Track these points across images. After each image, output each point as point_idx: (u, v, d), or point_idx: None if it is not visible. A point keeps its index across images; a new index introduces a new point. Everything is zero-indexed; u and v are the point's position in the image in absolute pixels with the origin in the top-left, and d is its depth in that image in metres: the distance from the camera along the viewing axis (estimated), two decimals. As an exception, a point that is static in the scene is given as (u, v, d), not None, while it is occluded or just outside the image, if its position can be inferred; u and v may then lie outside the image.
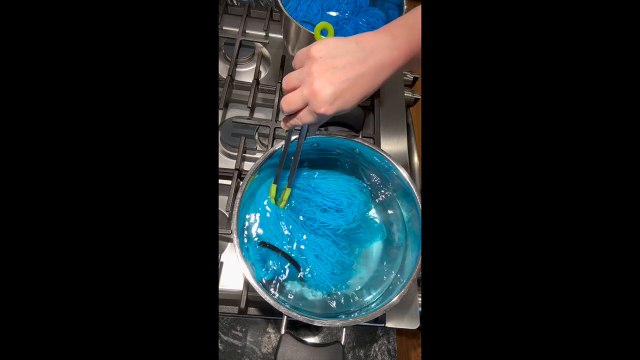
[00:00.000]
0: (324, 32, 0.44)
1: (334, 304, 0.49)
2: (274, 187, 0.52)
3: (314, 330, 0.54)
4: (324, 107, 0.38)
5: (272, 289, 0.49)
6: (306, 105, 0.40)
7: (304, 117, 0.41)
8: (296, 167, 0.51)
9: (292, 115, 0.42)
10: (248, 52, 0.75)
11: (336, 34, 0.66)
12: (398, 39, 0.39)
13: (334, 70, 0.38)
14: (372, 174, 0.57)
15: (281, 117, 0.69)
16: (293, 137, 0.49)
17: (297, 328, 0.53)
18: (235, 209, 0.47)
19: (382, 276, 0.51)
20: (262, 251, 0.50)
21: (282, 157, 0.50)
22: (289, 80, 0.41)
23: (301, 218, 0.53)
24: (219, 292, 0.54)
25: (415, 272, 0.46)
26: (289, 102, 0.41)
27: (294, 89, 0.41)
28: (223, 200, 0.59)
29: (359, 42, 0.39)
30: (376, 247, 0.54)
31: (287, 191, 0.52)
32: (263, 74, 0.75)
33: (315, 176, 0.55)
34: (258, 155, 0.64)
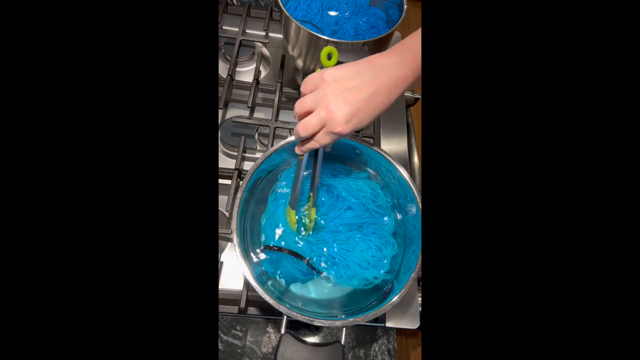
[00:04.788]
0: (329, 56, 0.45)
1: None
2: (292, 212, 0.51)
3: (314, 330, 0.54)
4: (341, 127, 0.39)
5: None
6: (322, 127, 0.41)
7: (321, 139, 0.42)
8: (318, 189, 0.51)
9: (308, 139, 0.43)
10: (248, 51, 0.75)
11: (336, 33, 0.66)
12: (406, 58, 0.41)
13: (348, 90, 0.39)
14: (372, 173, 0.57)
15: (283, 117, 0.69)
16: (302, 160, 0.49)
17: (297, 328, 0.53)
18: (235, 209, 0.47)
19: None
20: (272, 256, 0.50)
21: (297, 183, 0.49)
22: (303, 104, 0.42)
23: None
24: (219, 292, 0.54)
25: (415, 272, 0.46)
26: (305, 126, 0.41)
27: (308, 113, 0.42)
28: (223, 200, 0.59)
29: (369, 63, 0.41)
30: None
31: (313, 211, 0.51)
32: (263, 74, 0.75)
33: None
34: (258, 155, 0.64)
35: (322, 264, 0.49)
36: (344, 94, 0.39)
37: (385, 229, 0.52)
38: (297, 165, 0.49)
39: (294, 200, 0.50)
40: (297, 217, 0.51)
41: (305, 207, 0.52)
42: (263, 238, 0.51)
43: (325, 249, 0.50)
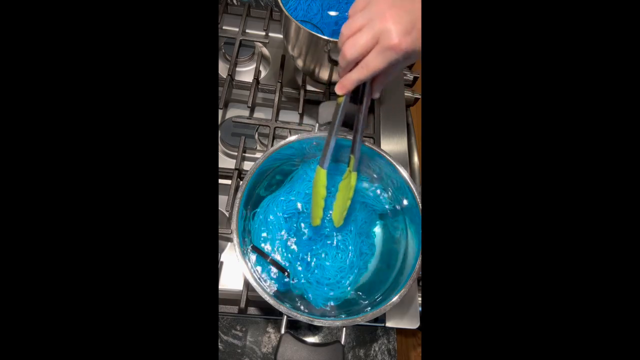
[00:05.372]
0: None
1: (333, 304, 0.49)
2: (322, 172, 0.41)
3: (314, 330, 0.54)
4: (399, 38, 0.32)
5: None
6: (375, 44, 0.34)
7: (373, 61, 0.34)
8: (360, 150, 0.43)
9: (353, 67, 0.35)
10: (248, 51, 0.75)
11: (336, 33, 0.66)
12: None
13: (408, 0, 0.33)
14: (372, 173, 0.57)
15: (283, 117, 0.69)
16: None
17: (297, 328, 0.53)
18: (235, 209, 0.47)
19: (382, 276, 0.51)
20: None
21: (332, 135, 0.40)
22: (352, 23, 0.34)
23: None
24: (219, 292, 0.54)
25: (415, 272, 0.46)
26: (354, 43, 0.34)
27: (358, 31, 0.34)
28: (223, 200, 0.59)
29: None
30: (375, 246, 0.54)
31: (353, 177, 0.43)
32: (263, 74, 0.75)
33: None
34: (258, 155, 0.64)
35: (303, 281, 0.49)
36: (402, 2, 0.33)
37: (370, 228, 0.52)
38: (335, 111, 0.41)
39: (325, 158, 0.41)
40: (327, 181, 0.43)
41: (345, 173, 0.44)
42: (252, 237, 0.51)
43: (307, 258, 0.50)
